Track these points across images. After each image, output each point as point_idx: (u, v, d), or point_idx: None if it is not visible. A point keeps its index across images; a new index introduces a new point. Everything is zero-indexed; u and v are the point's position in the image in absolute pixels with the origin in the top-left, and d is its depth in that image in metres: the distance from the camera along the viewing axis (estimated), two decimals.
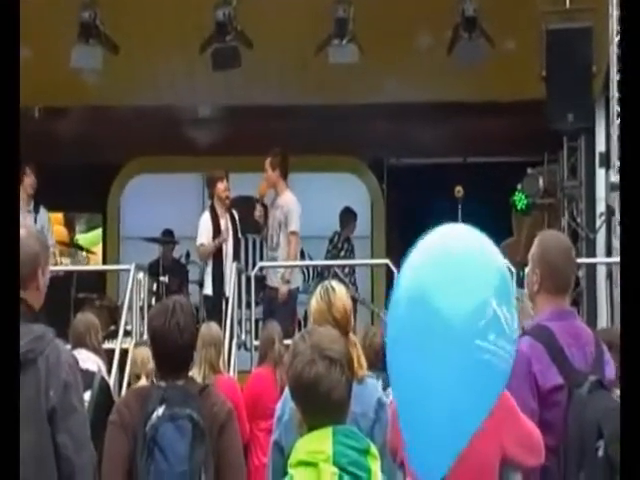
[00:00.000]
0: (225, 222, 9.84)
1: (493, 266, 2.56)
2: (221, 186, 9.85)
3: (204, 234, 9.76)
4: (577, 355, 3.55)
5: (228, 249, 9.81)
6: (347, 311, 4.06)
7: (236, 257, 9.92)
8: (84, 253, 11.94)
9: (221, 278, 9.73)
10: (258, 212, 9.92)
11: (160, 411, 3.44)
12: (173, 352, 3.57)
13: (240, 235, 10.09)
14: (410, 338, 2.50)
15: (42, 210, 10.37)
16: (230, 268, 9.66)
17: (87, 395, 6.20)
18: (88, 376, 6.26)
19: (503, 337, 2.51)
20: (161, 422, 3.42)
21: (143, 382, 6.40)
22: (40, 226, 9.89)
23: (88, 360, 6.46)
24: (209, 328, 7.37)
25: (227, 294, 9.56)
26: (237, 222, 10.00)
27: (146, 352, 6.58)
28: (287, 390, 4.23)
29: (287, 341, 9.07)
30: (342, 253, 11.94)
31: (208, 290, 9.80)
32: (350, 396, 2.62)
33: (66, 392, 3.12)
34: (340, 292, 4.10)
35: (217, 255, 9.79)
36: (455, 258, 2.56)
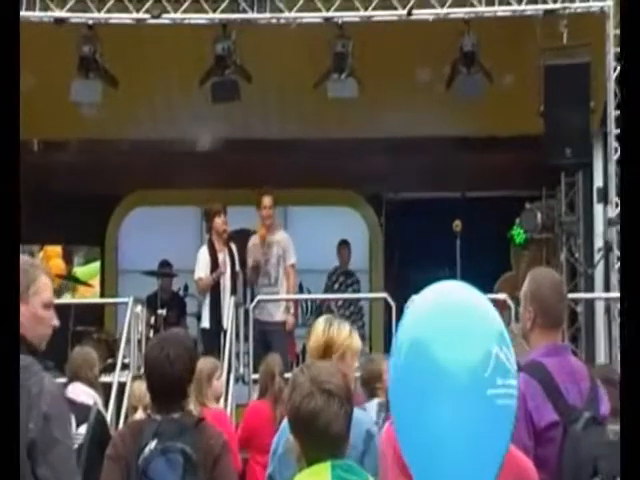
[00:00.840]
0: (223, 256, 9.95)
1: (490, 314, 2.58)
2: (219, 220, 9.97)
3: (202, 268, 9.88)
4: (572, 391, 3.56)
5: (226, 283, 9.91)
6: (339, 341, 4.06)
7: (234, 290, 9.94)
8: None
9: (219, 312, 9.81)
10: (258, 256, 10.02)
11: (152, 445, 3.45)
12: (164, 384, 3.57)
13: (238, 268, 10.12)
14: (416, 393, 2.50)
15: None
16: (228, 301, 9.71)
17: (83, 428, 6.18)
18: (84, 409, 6.26)
19: (509, 376, 2.54)
20: (153, 456, 3.44)
21: (140, 415, 6.37)
22: None
23: (83, 394, 6.48)
24: (204, 362, 7.36)
25: (225, 327, 9.58)
26: (235, 256, 10.08)
27: (143, 385, 6.56)
28: (283, 424, 4.24)
29: (287, 374, 9.08)
30: (336, 286, 11.96)
31: (205, 323, 9.86)
32: (349, 430, 2.59)
33: (47, 424, 3.06)
34: (318, 326, 4.12)
35: (215, 289, 9.88)
36: (453, 310, 2.59)
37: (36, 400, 3.07)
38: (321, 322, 4.13)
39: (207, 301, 9.90)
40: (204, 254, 9.90)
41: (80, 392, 6.49)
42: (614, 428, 3.96)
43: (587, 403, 3.52)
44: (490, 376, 2.48)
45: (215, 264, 9.85)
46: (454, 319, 2.56)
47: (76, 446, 6.16)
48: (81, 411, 6.25)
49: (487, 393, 2.48)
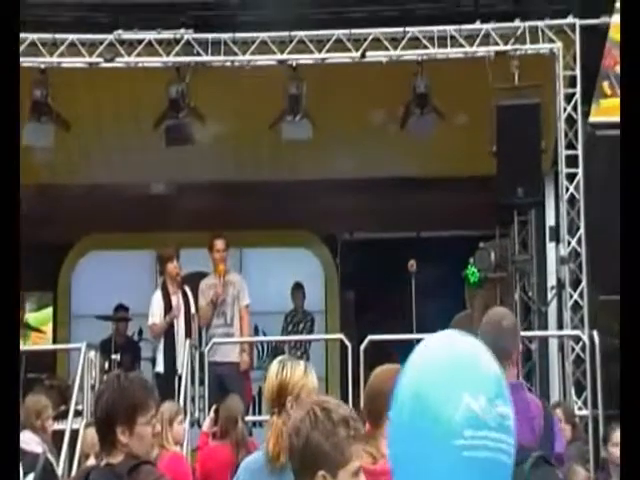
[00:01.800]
0: (177, 299, 9.96)
1: (478, 364, 2.51)
2: (171, 265, 10.01)
3: (156, 312, 9.91)
4: (524, 429, 3.54)
5: (179, 326, 9.88)
6: (273, 386, 3.99)
7: (188, 333, 9.89)
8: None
9: (173, 355, 9.75)
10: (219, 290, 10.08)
11: None
12: (99, 430, 3.50)
13: (194, 311, 10.09)
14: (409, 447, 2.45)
15: None
16: (182, 345, 9.69)
17: (31, 477, 6.10)
18: (32, 458, 6.19)
19: (483, 427, 2.45)
20: None
21: (92, 461, 6.30)
22: None
23: (32, 442, 6.43)
24: (164, 405, 7.26)
25: (179, 371, 9.52)
26: (190, 298, 10.05)
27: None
28: (242, 466, 4.20)
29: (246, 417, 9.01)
30: (290, 327, 11.96)
31: (160, 368, 9.83)
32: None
33: None
34: (272, 369, 4.06)
35: (169, 332, 9.87)
36: (434, 362, 2.54)
37: None
38: (274, 364, 4.07)
39: (161, 345, 9.87)
40: (158, 299, 9.92)
41: (29, 440, 6.44)
42: (575, 467, 3.94)
43: (540, 441, 3.51)
44: (458, 425, 2.40)
45: (169, 308, 9.86)
46: (434, 371, 2.50)
47: None
48: (30, 460, 6.26)
49: (453, 444, 2.41)
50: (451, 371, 2.39)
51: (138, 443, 3.48)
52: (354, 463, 2.59)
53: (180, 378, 9.46)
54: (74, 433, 8.40)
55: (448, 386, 2.38)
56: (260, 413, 12.26)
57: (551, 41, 9.12)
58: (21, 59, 9.28)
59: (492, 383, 2.41)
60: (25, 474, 6.15)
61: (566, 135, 9.36)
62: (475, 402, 2.34)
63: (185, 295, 10.03)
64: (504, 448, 2.33)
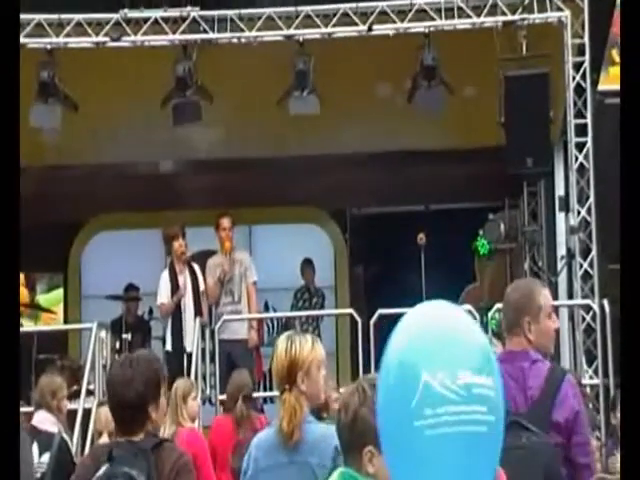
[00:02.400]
0: (183, 278, 9.96)
1: (441, 336, 2.47)
2: (176, 244, 10.01)
3: (163, 292, 9.93)
4: (518, 397, 3.66)
5: (187, 304, 9.90)
6: (283, 361, 3.95)
7: (198, 311, 9.92)
8: None
9: (180, 334, 9.79)
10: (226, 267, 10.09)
11: (102, 470, 3.43)
12: (123, 407, 3.53)
13: (203, 288, 10.10)
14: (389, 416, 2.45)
15: None
16: (190, 323, 9.74)
17: (46, 457, 6.14)
18: (47, 437, 6.26)
19: (446, 405, 2.42)
20: None
21: (105, 439, 6.35)
22: None
23: (47, 422, 6.51)
24: (178, 382, 7.32)
25: (187, 349, 9.60)
26: (198, 276, 10.05)
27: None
28: (252, 444, 4.23)
29: (253, 394, 9.06)
30: (301, 304, 11.96)
31: (168, 346, 9.84)
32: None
33: None
34: (281, 343, 4.03)
35: (176, 311, 9.91)
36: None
37: None
38: (282, 341, 4.01)
39: (169, 324, 9.89)
40: (165, 279, 9.94)
41: (44, 420, 6.51)
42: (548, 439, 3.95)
43: (532, 407, 3.54)
44: (416, 407, 2.38)
45: (176, 287, 9.87)
46: (438, 338, 2.49)
47: (39, 475, 6.14)
48: (45, 439, 6.31)
49: (413, 425, 2.39)
50: (414, 349, 2.35)
51: (160, 417, 3.59)
52: None
53: (189, 356, 9.49)
54: (86, 412, 8.44)
55: (408, 366, 2.33)
56: (272, 389, 12.31)
57: (559, 9, 9.07)
58: (27, 40, 9.30)
59: (461, 355, 2.34)
60: (40, 454, 6.20)
61: (575, 104, 9.32)
62: (433, 379, 2.29)
63: (193, 273, 10.03)
64: (474, 419, 2.26)
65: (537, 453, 3.54)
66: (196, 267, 10.14)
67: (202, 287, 10.07)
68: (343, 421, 2.68)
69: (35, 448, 6.18)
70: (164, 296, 9.86)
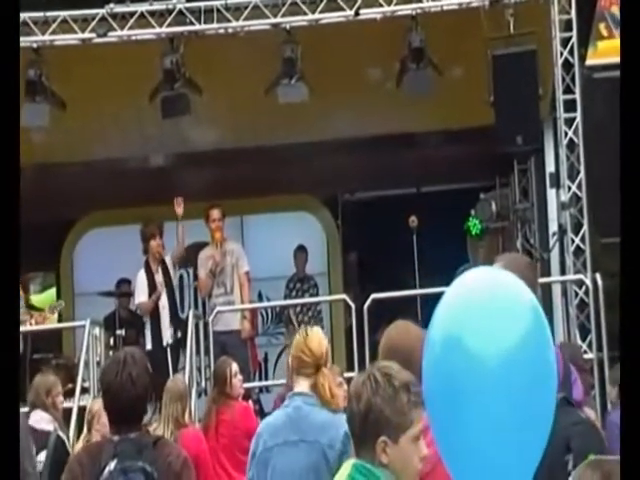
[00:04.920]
0: (160, 276, 10.01)
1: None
2: (154, 243, 10.09)
3: (141, 291, 10.00)
4: None
5: (163, 302, 9.96)
6: (323, 345, 4.25)
7: (173, 305, 9.98)
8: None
9: (159, 332, 9.84)
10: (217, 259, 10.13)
11: (112, 465, 3.42)
12: (126, 405, 3.53)
13: (176, 282, 10.27)
14: (451, 387, 2.49)
15: None
16: (166, 319, 9.84)
17: (43, 455, 6.17)
18: (43, 436, 6.34)
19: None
20: (113, 477, 3.40)
21: (96, 435, 6.36)
22: None
23: (43, 421, 6.55)
24: (175, 382, 7.33)
25: (164, 344, 9.69)
26: (170, 272, 10.11)
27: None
28: (260, 428, 4.29)
29: (249, 384, 9.10)
30: (294, 293, 11.96)
31: (149, 345, 9.84)
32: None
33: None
34: (318, 331, 4.35)
35: (154, 310, 9.96)
36: (482, 299, 2.56)
37: None
38: (317, 332, 4.33)
39: (148, 323, 9.96)
40: (142, 278, 10.00)
41: (40, 419, 6.54)
42: (586, 410, 4.00)
43: (560, 386, 3.57)
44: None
45: (153, 286, 9.93)
46: (485, 307, 2.52)
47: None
48: (41, 438, 6.34)
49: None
50: (459, 320, 2.43)
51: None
52: (415, 428, 2.61)
53: (165, 350, 9.55)
54: (81, 410, 8.43)
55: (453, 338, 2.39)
56: (267, 378, 12.33)
57: None
58: None
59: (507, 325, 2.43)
60: (37, 452, 6.22)
61: (563, 80, 9.35)
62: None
63: (165, 269, 10.04)
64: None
65: (594, 426, 3.58)
66: (167, 262, 10.14)
67: (175, 281, 10.18)
68: (355, 411, 2.64)
69: (32, 447, 6.19)
70: (142, 295, 9.95)
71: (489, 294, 2.56)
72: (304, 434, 4.06)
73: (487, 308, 2.51)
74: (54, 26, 9.26)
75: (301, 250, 12.15)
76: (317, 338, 4.23)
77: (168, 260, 10.15)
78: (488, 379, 2.37)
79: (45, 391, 6.64)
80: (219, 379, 7.60)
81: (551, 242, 10.73)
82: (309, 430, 4.06)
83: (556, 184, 10.16)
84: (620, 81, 2.87)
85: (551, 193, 10.66)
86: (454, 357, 2.44)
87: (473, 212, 12.02)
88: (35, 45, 9.36)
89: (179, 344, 9.78)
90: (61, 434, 6.48)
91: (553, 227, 10.58)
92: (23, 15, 9.13)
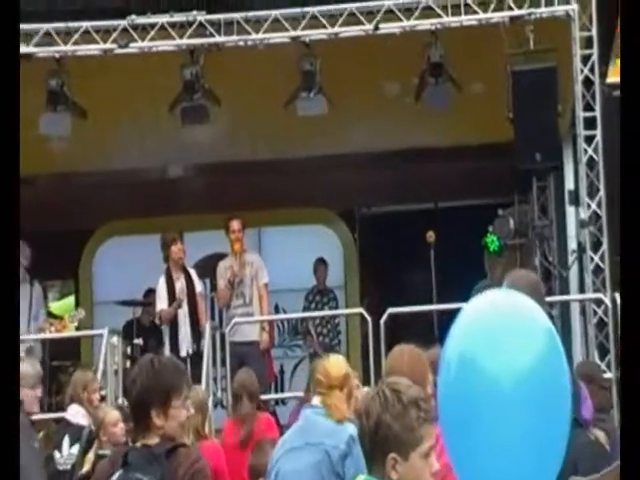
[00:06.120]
0: (180, 284, 9.98)
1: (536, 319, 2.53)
2: (175, 248, 10.06)
3: (162, 299, 9.99)
4: None
5: (185, 310, 9.94)
6: (341, 368, 4.50)
7: (194, 316, 9.94)
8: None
9: (176, 340, 9.85)
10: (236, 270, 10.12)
11: (115, 476, 3.43)
12: (130, 406, 3.57)
13: (200, 290, 10.13)
14: (465, 406, 2.48)
15: (36, 284, 10.59)
16: (184, 328, 9.84)
17: (76, 448, 6.24)
18: (77, 430, 6.53)
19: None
20: None
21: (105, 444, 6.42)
22: (35, 299, 10.23)
23: (78, 414, 6.71)
24: (195, 392, 7.32)
25: (181, 353, 9.67)
26: (194, 281, 10.08)
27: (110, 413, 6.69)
28: (280, 441, 4.36)
29: (265, 396, 9.10)
30: (313, 305, 11.96)
31: (167, 353, 9.84)
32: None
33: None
34: (339, 356, 4.74)
35: (174, 318, 9.93)
36: (498, 320, 2.56)
37: None
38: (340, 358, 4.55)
39: (167, 332, 9.97)
40: (162, 286, 10.00)
41: (76, 413, 6.70)
42: (595, 432, 3.97)
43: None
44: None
45: (172, 294, 9.93)
46: (500, 329, 2.52)
47: (69, 466, 6.24)
48: (75, 431, 6.52)
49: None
50: (475, 341, 2.44)
51: (173, 426, 3.53)
52: (425, 444, 2.60)
53: (184, 360, 9.55)
54: None
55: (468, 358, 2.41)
56: (282, 390, 12.33)
57: (566, 2, 9.07)
58: (36, 49, 9.33)
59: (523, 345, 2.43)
60: (71, 445, 6.40)
61: (583, 97, 9.32)
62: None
63: (189, 278, 10.04)
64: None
65: (602, 447, 3.56)
66: (191, 271, 10.17)
67: (198, 290, 10.10)
68: (365, 428, 2.63)
69: (67, 440, 6.42)
70: (163, 303, 9.93)
71: (504, 316, 2.56)
72: (310, 438, 4.22)
73: (502, 330, 2.51)
74: (76, 37, 9.33)
75: (321, 262, 12.16)
76: (336, 360, 4.50)
77: (191, 269, 10.15)
78: (502, 400, 2.37)
79: (82, 386, 6.81)
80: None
81: (570, 260, 10.68)
82: (315, 435, 4.22)
83: (575, 202, 10.12)
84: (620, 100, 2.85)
85: (570, 210, 10.61)
86: (469, 378, 2.44)
87: (491, 228, 11.98)
88: (57, 55, 9.43)
89: (199, 355, 9.79)
90: (94, 429, 6.56)
91: (572, 245, 10.52)
92: (46, 26, 9.23)
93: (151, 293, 11.53)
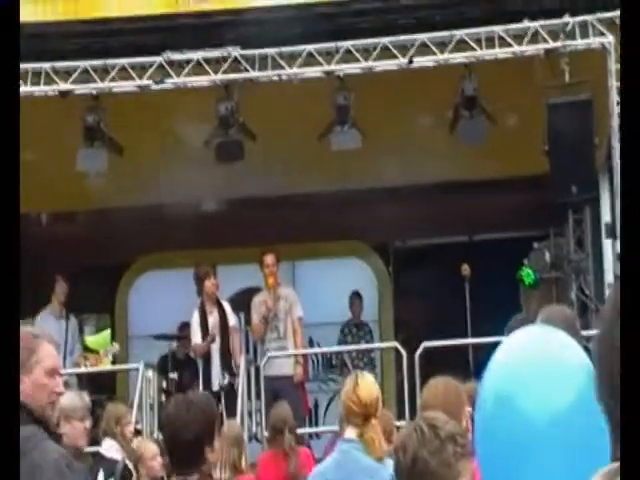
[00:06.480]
0: (213, 319, 10.03)
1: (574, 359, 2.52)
2: (208, 283, 10.13)
3: (196, 334, 10.05)
4: None
5: (216, 345, 9.99)
6: (373, 395, 4.29)
7: (226, 349, 9.94)
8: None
9: (209, 374, 9.88)
10: (270, 305, 10.16)
11: None
12: (181, 447, 3.56)
13: (233, 324, 10.14)
14: (503, 445, 2.46)
15: (72, 318, 10.78)
16: (216, 361, 9.89)
17: None
18: (111, 464, 6.47)
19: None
20: None
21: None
22: (71, 333, 10.32)
23: (112, 449, 6.66)
24: (231, 427, 7.31)
25: (214, 388, 9.66)
26: (227, 314, 10.11)
27: (149, 447, 6.65)
28: (313, 473, 4.31)
29: (299, 430, 9.06)
30: (349, 339, 11.92)
31: (200, 389, 9.84)
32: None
33: None
34: (369, 378, 4.43)
35: (207, 352, 9.98)
36: (536, 358, 2.54)
37: (39, 471, 3.04)
38: (367, 376, 4.42)
39: (200, 366, 10.01)
40: (195, 320, 10.05)
41: (110, 447, 6.65)
42: None
43: None
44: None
45: (205, 328, 9.97)
46: (537, 367, 2.49)
47: None
48: (109, 466, 6.47)
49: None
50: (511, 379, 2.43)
51: (214, 457, 3.63)
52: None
53: (217, 394, 9.50)
54: None
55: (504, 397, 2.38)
56: (317, 424, 12.26)
57: (602, 35, 9.03)
58: (74, 86, 9.44)
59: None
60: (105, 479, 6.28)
61: (620, 129, 9.27)
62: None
63: (222, 311, 10.06)
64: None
65: None
66: (225, 304, 10.19)
67: (232, 323, 10.12)
68: (402, 463, 2.62)
69: (101, 475, 6.37)
70: (197, 337, 9.98)
71: (541, 354, 2.53)
72: (351, 477, 4.11)
73: (539, 368, 2.48)
74: (113, 73, 9.44)
75: (357, 296, 12.14)
76: (367, 386, 4.27)
77: (225, 303, 10.19)
78: (539, 439, 2.34)
79: (115, 420, 6.75)
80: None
81: (607, 293, 10.56)
82: (356, 473, 4.12)
83: (612, 234, 10.01)
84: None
85: (607, 243, 10.50)
86: (505, 416, 2.42)
87: (526, 261, 11.90)
88: (94, 92, 9.54)
89: (231, 389, 9.79)
90: (128, 463, 6.56)
91: (609, 278, 10.41)
92: (83, 63, 9.35)
93: (186, 327, 11.56)
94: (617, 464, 1.33)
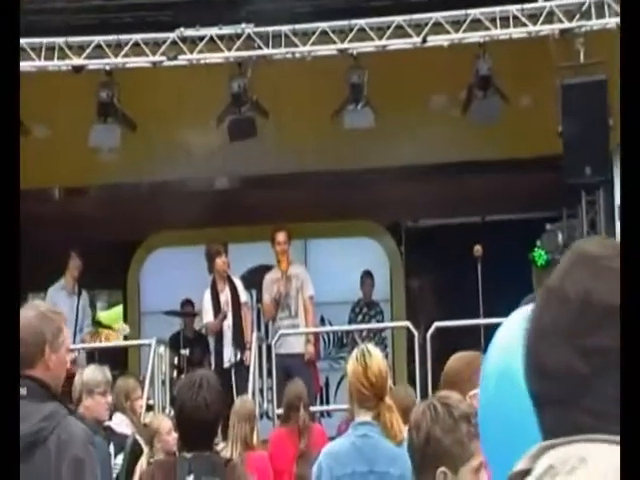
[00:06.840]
0: (225, 297, 10.02)
1: None
2: (219, 260, 10.12)
3: (207, 312, 10.07)
4: None
5: (229, 321, 10.01)
6: (383, 374, 4.09)
7: (238, 326, 9.94)
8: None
9: (221, 350, 9.90)
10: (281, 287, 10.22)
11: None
12: (200, 426, 3.60)
13: (244, 300, 10.14)
14: (507, 424, 2.45)
15: (84, 293, 10.82)
16: (228, 338, 9.89)
17: (119, 459, 6.23)
18: (121, 439, 6.43)
19: None
20: None
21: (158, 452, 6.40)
22: (82, 309, 10.38)
23: (122, 423, 6.64)
24: (244, 403, 7.33)
25: (225, 364, 9.70)
26: (238, 291, 10.09)
27: (164, 422, 6.66)
28: (323, 455, 4.24)
29: (311, 408, 9.08)
30: (360, 318, 11.93)
31: (212, 366, 9.88)
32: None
33: (79, 468, 3.08)
34: (376, 356, 4.17)
35: (219, 329, 9.99)
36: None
37: (66, 446, 3.09)
38: (376, 352, 4.20)
39: (212, 343, 10.09)
40: (207, 297, 10.07)
41: (120, 422, 6.63)
42: None
43: None
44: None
45: (217, 305, 9.98)
46: None
47: (114, 475, 6.24)
48: (119, 441, 6.44)
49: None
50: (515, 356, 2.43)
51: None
52: (475, 460, 2.56)
53: (227, 372, 9.58)
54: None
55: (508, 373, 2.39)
56: (328, 403, 12.30)
57: (617, 15, 8.95)
58: (87, 61, 9.45)
59: None
60: (115, 454, 6.35)
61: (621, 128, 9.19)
62: None
63: (233, 288, 10.06)
64: None
65: None
66: (236, 281, 10.20)
67: (243, 299, 10.13)
68: (415, 442, 2.62)
69: (112, 449, 6.35)
70: (208, 315, 10.02)
71: None
72: (373, 464, 4.03)
73: None
74: (126, 49, 9.43)
75: (368, 276, 12.14)
76: (376, 365, 4.09)
77: (236, 279, 10.21)
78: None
79: (124, 395, 6.73)
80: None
81: None
82: (379, 460, 4.03)
83: None
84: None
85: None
86: (507, 393, 2.41)
87: (539, 243, 11.86)
88: (107, 67, 9.54)
89: (242, 366, 9.83)
90: (138, 438, 6.54)
91: None
92: (97, 38, 9.35)
93: (187, 303, 11.61)
94: (545, 443, 1.32)
